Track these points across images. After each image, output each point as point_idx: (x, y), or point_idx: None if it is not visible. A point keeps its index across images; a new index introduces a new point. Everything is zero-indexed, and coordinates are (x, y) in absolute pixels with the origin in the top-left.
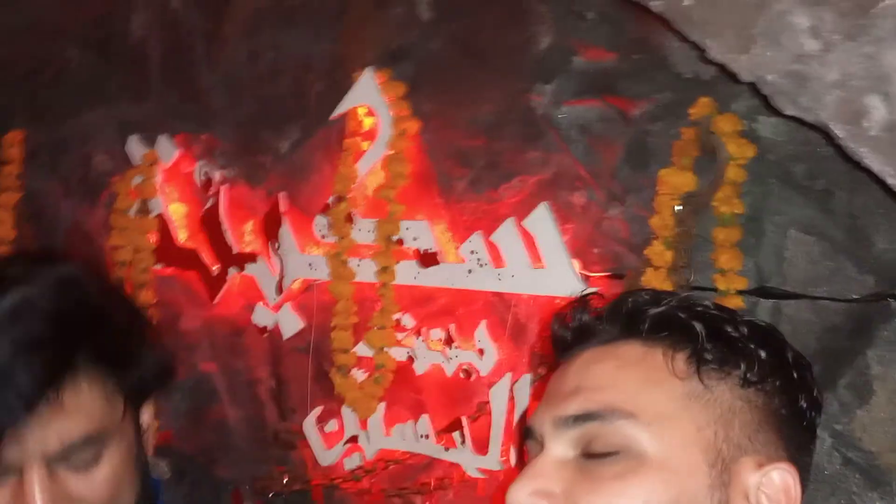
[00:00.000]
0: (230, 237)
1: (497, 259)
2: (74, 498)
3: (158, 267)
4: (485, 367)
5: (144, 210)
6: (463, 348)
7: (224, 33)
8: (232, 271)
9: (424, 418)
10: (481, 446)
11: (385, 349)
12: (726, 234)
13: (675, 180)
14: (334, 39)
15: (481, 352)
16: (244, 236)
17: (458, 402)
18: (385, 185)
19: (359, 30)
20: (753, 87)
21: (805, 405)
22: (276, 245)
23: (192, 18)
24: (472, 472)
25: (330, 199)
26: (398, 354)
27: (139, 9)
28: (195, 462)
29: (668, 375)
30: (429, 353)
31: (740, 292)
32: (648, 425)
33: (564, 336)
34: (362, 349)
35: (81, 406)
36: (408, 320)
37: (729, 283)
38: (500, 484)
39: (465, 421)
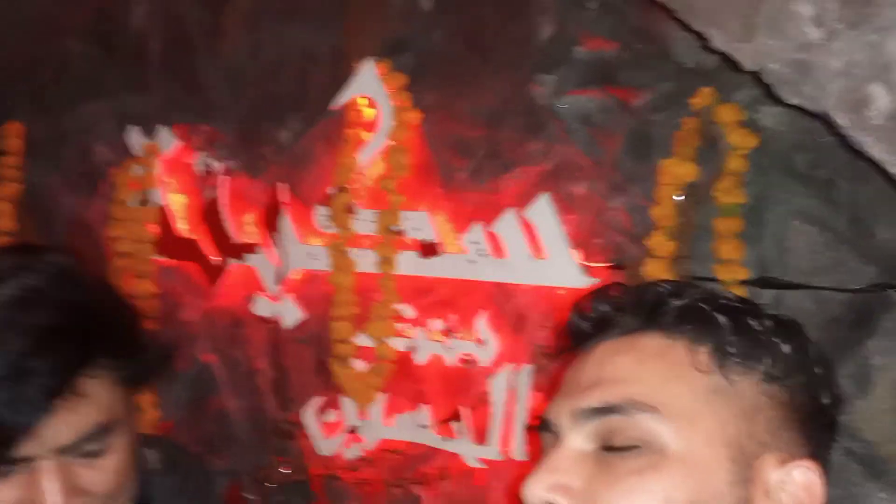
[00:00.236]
0: (230, 228)
1: (498, 250)
2: (85, 489)
3: (159, 258)
4: (485, 357)
5: (145, 201)
6: (463, 339)
7: (225, 25)
8: (232, 262)
9: (424, 408)
10: (481, 436)
11: (385, 340)
12: (728, 225)
13: (677, 171)
14: (335, 31)
15: (482, 342)
16: (245, 227)
17: (458, 392)
18: (386, 175)
19: (360, 21)
20: (756, 77)
21: (828, 403)
22: (277, 236)
23: (193, 10)
24: (472, 462)
25: (330, 190)
26: (398, 345)
27: (140, 1)
28: (185, 452)
29: (691, 369)
30: (429, 344)
31: (742, 283)
32: (670, 420)
33: (583, 326)
34: (362, 339)
35: (94, 396)
36: (408, 311)
37: (730, 274)
38: (501, 474)
39: (464, 411)
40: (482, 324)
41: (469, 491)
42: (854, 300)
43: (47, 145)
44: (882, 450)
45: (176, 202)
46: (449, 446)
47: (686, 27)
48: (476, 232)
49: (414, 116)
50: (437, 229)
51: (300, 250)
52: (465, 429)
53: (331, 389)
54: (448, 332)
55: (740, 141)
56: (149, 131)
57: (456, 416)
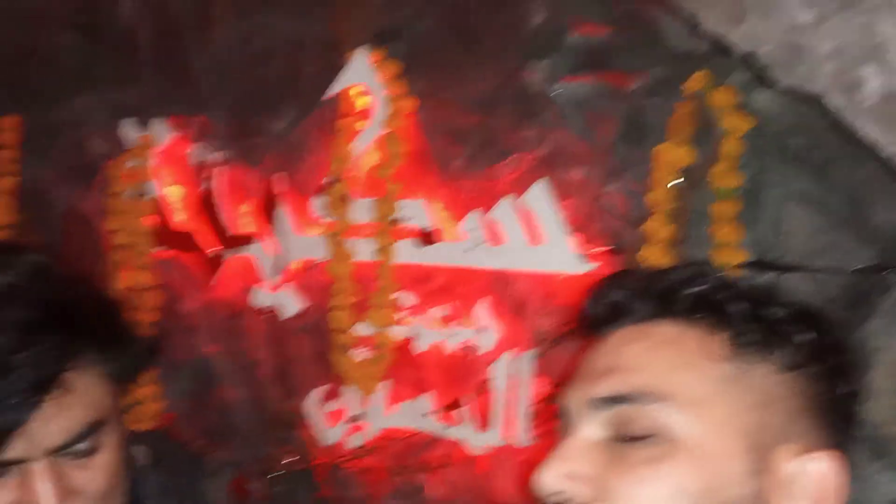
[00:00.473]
0: (227, 219)
1: (495, 237)
2: (78, 490)
3: (157, 250)
4: (485, 344)
5: (140, 193)
6: (463, 326)
7: (214, 15)
8: (230, 253)
9: (426, 396)
10: (483, 423)
11: (385, 328)
12: (724, 209)
13: (672, 155)
14: (325, 19)
15: (482, 329)
16: (241, 218)
17: (458, 379)
18: (381, 164)
19: (350, 9)
20: (748, 60)
21: (847, 392)
22: (274, 226)
23: (182, 1)
24: (475, 449)
25: (326, 180)
26: (399, 333)
27: None
28: (175, 448)
29: (705, 358)
30: (429, 332)
31: (739, 266)
32: (683, 409)
33: (598, 312)
34: (362, 328)
35: (82, 391)
36: (407, 299)
37: (727, 257)
38: (503, 460)
39: (466, 398)
40: (482, 311)
41: (472, 478)
42: (851, 282)
43: (41, 138)
44: (882, 430)
45: (172, 194)
46: (451, 433)
47: (677, 10)
48: (473, 219)
49: (408, 104)
50: (434, 217)
51: (298, 240)
52: (468, 416)
53: (332, 379)
54: (448, 320)
55: (735, 125)
56: (143, 123)
57: (458, 404)
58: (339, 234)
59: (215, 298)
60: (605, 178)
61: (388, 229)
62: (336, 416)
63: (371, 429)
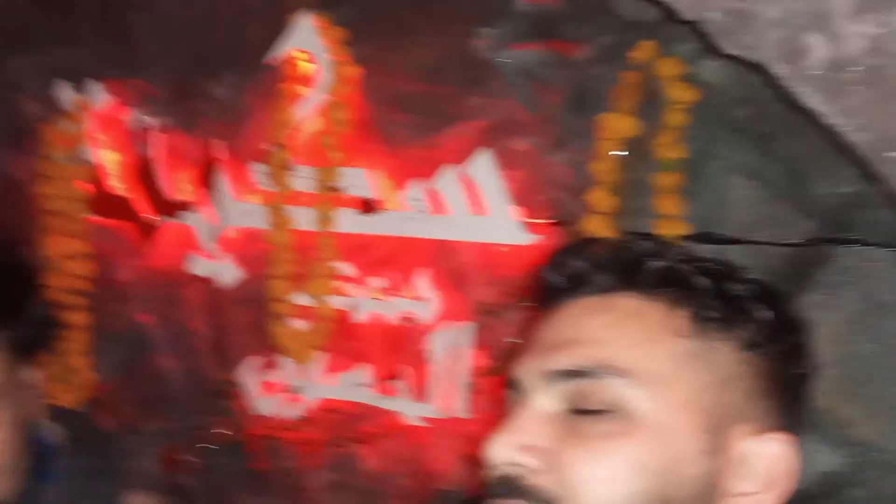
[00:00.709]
0: (165, 185)
1: (439, 206)
2: None
3: (91, 216)
4: (425, 315)
5: (74, 158)
6: (404, 296)
7: None
8: (167, 220)
9: (364, 367)
10: (421, 395)
11: (325, 298)
12: (668, 180)
13: (617, 125)
14: None
15: (422, 300)
16: (179, 184)
17: (398, 350)
18: (324, 131)
19: None
20: (695, 28)
21: (803, 374)
22: (213, 193)
23: None
24: (413, 421)
25: (267, 146)
26: (338, 303)
27: None
28: (96, 429)
29: (668, 332)
30: (369, 302)
31: (682, 238)
32: (644, 384)
33: (556, 282)
34: (301, 298)
35: None
36: (348, 269)
37: (670, 229)
38: (442, 432)
39: (405, 369)
40: (423, 281)
41: (410, 449)
42: (792, 254)
43: None
44: (818, 402)
45: (108, 159)
46: (389, 405)
47: None
48: (416, 188)
49: (352, 71)
50: (376, 186)
51: (237, 208)
52: (406, 387)
53: (269, 349)
54: (388, 290)
55: (680, 95)
56: (79, 86)
57: (396, 375)
58: (278, 202)
59: (150, 267)
60: (550, 147)
61: (328, 198)
62: (271, 386)
63: (307, 400)
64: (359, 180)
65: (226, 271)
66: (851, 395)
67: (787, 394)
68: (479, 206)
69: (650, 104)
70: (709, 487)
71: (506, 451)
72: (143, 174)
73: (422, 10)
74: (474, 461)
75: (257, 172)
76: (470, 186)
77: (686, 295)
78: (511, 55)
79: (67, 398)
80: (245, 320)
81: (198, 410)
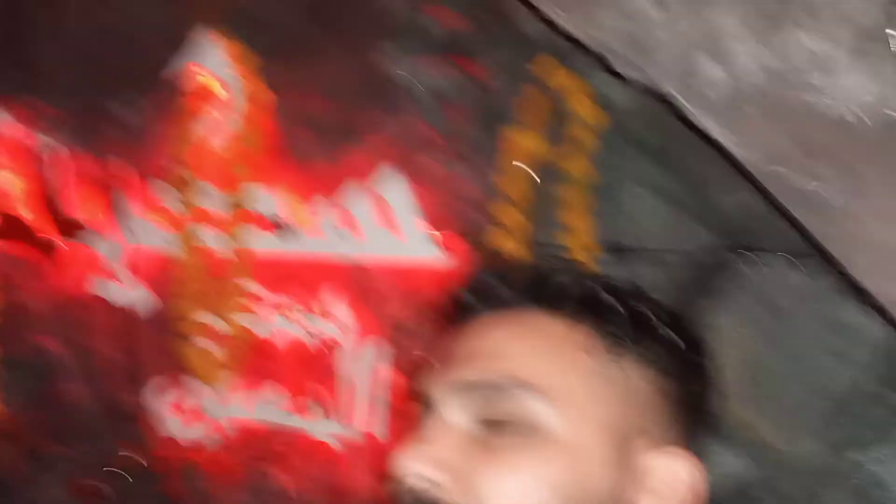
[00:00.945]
0: (67, 206)
1: (351, 225)
2: None
3: None
4: (340, 335)
5: None
6: (318, 316)
7: None
8: (72, 242)
9: (279, 388)
10: (338, 415)
11: (235, 318)
12: (574, 194)
13: (523, 141)
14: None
15: (337, 320)
16: (83, 206)
17: (313, 371)
18: (230, 149)
19: None
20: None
21: (706, 396)
22: (118, 214)
23: None
24: (327, 440)
25: (173, 166)
26: (248, 323)
27: None
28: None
29: (573, 348)
30: (282, 323)
31: (587, 250)
32: (551, 398)
33: (466, 299)
34: (210, 319)
35: None
36: (259, 289)
37: (577, 242)
38: (357, 452)
39: (318, 389)
40: (332, 299)
41: (324, 470)
42: (693, 263)
43: None
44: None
45: (6, 180)
46: (306, 426)
47: (525, 1)
48: (325, 206)
49: (256, 87)
50: (287, 205)
51: (142, 228)
52: (319, 407)
53: (177, 370)
54: (302, 311)
55: (584, 111)
56: None
57: (312, 396)
58: (185, 222)
59: (55, 291)
60: (457, 163)
61: (235, 216)
62: (182, 409)
63: (218, 421)
64: (266, 198)
65: (133, 293)
66: (750, 399)
67: (688, 411)
68: (388, 222)
69: (556, 119)
70: (613, 502)
71: (413, 464)
72: (45, 195)
73: (325, 25)
74: (388, 479)
75: (162, 191)
76: (378, 203)
77: (595, 314)
78: (419, 73)
79: None
80: (153, 342)
81: (107, 436)
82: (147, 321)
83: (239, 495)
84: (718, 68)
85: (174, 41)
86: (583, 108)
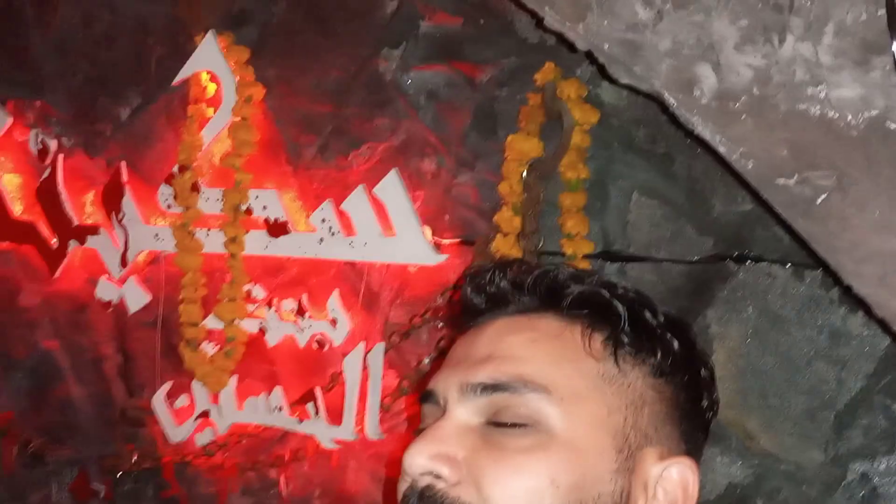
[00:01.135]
0: (69, 209)
1: (348, 227)
2: None
3: None
4: (338, 337)
5: None
6: (315, 318)
7: None
8: (72, 244)
9: (277, 390)
10: (335, 417)
11: (235, 321)
12: (573, 199)
13: (522, 146)
14: (173, 1)
15: (334, 322)
16: (84, 208)
17: (311, 373)
18: (231, 153)
19: None
20: (590, 57)
21: (707, 404)
22: (119, 216)
23: None
24: (327, 443)
25: (174, 168)
26: (249, 326)
27: None
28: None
29: (584, 354)
30: (281, 325)
31: (587, 256)
32: (560, 401)
33: (477, 301)
34: (212, 322)
35: None
36: (258, 291)
37: (576, 248)
38: (355, 454)
39: (318, 392)
40: (334, 303)
41: (324, 472)
42: (693, 271)
43: None
44: (721, 416)
45: (9, 182)
46: (303, 428)
47: (521, 6)
48: (325, 209)
49: (258, 91)
50: (285, 207)
51: (144, 231)
52: (319, 410)
53: (180, 374)
54: (300, 313)
55: (583, 116)
56: None
57: (309, 398)
58: (187, 225)
59: (57, 291)
60: (457, 168)
61: (238, 220)
62: (185, 412)
63: (221, 424)
64: (268, 202)
65: (134, 296)
66: (752, 408)
67: (691, 421)
68: (388, 226)
69: (554, 125)
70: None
71: (423, 460)
72: (47, 197)
73: (326, 31)
74: (388, 482)
75: (164, 195)
76: (378, 207)
77: (603, 320)
78: (416, 76)
79: None
80: (155, 345)
81: (108, 438)
82: (148, 325)
83: (240, 499)
84: (715, 78)
85: (175, 44)
86: (583, 114)
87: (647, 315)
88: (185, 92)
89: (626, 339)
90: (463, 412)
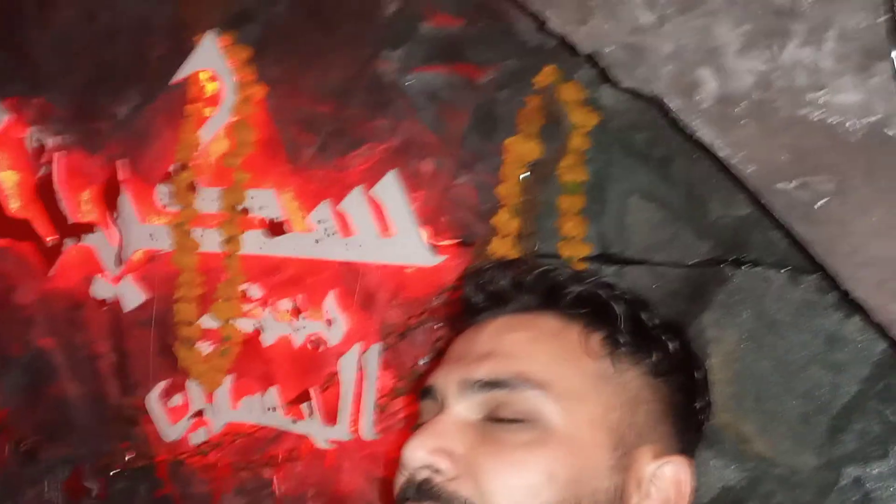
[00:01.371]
0: (66, 207)
1: (345, 228)
2: None
3: None
4: (333, 337)
5: None
6: (311, 319)
7: None
8: (69, 242)
9: (272, 390)
10: (330, 417)
11: (231, 321)
12: (571, 202)
13: (521, 148)
14: (175, 0)
15: (330, 322)
16: (81, 206)
17: (306, 373)
18: (230, 152)
19: None
20: (591, 59)
21: (701, 405)
22: (116, 215)
23: None
24: (322, 444)
25: (172, 167)
26: (245, 326)
27: None
28: None
29: (582, 353)
30: (277, 325)
31: (584, 259)
32: (558, 399)
33: (478, 299)
34: (208, 321)
35: None
36: (255, 291)
37: (574, 250)
38: (351, 454)
39: (313, 392)
40: (330, 303)
41: (320, 472)
42: (690, 275)
43: None
44: (716, 419)
45: (6, 179)
46: (298, 428)
47: (524, 8)
48: (323, 210)
49: (258, 91)
50: (283, 207)
51: (141, 230)
52: (315, 410)
53: (176, 373)
54: (296, 313)
55: (582, 119)
56: None
57: (305, 398)
58: (184, 224)
59: (53, 289)
60: (456, 169)
61: (235, 219)
62: (180, 411)
63: (216, 424)
64: (266, 201)
65: (130, 294)
66: (746, 411)
67: (685, 422)
68: (386, 227)
69: (553, 127)
70: (609, 502)
71: (422, 454)
72: (45, 195)
73: (328, 31)
74: (383, 482)
75: (162, 193)
76: (377, 208)
77: (601, 320)
78: (416, 77)
79: None
80: (151, 344)
81: (103, 436)
82: (145, 323)
83: (235, 498)
84: (717, 82)
85: (176, 42)
86: (582, 117)
87: (644, 316)
88: (184, 91)
89: (623, 340)
90: (462, 408)
